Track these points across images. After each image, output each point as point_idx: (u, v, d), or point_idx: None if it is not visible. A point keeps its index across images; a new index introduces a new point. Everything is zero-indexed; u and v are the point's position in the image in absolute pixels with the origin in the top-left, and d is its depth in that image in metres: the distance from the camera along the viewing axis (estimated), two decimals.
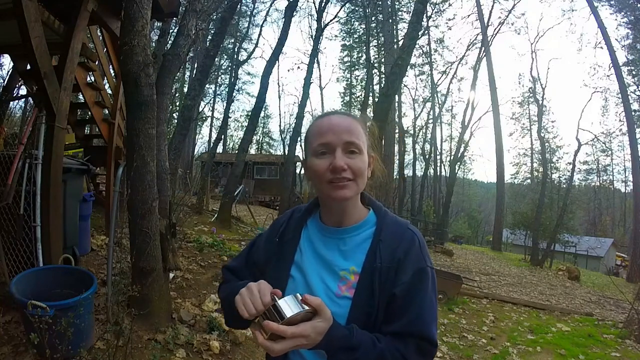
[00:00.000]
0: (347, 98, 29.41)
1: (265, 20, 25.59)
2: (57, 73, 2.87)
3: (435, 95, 25.99)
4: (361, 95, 26.03)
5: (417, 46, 16.63)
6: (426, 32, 21.28)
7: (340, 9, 18.63)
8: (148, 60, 2.77)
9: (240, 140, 14.01)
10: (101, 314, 2.84)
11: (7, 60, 11.50)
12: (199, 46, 11.75)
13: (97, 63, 4.72)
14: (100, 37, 5.25)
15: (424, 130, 27.37)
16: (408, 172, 27.15)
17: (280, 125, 41.64)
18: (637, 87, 19.57)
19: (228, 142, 31.08)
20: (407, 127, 27.09)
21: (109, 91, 5.19)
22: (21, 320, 2.32)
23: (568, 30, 53.17)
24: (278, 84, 42.36)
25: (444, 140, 30.74)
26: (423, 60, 25.32)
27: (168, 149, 4.34)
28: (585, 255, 23.74)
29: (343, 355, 0.74)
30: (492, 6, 21.64)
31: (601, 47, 19.80)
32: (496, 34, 22.50)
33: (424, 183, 26.65)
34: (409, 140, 26.47)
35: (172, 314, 3.14)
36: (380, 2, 17.98)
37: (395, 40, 19.44)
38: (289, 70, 60.62)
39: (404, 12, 21.21)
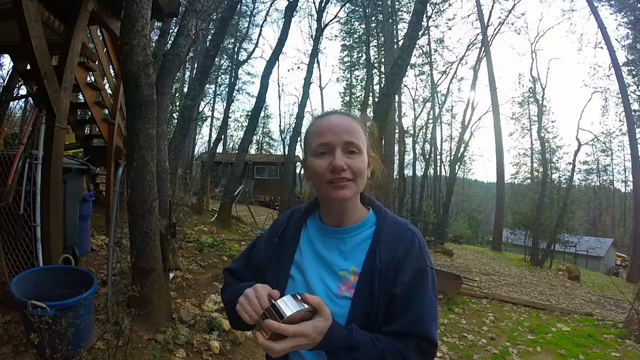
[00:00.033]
0: (347, 98, 29.44)
1: (265, 20, 25.62)
2: (57, 73, 2.87)
3: (435, 95, 26.01)
4: (361, 95, 26.05)
5: (417, 46, 16.64)
6: (426, 32, 21.30)
7: (340, 9, 18.65)
8: (148, 60, 2.77)
9: (240, 140, 14.01)
10: (101, 314, 2.84)
11: (7, 60, 11.52)
12: (199, 46, 11.76)
13: (97, 63, 4.72)
14: (100, 37, 5.25)
15: (424, 130, 27.42)
16: (408, 172, 27.20)
17: (280, 125, 41.71)
18: (637, 87, 19.58)
19: (228, 142, 31.11)
20: (407, 127, 27.15)
21: (109, 91, 5.19)
22: (21, 320, 2.32)
23: (568, 30, 53.27)
24: (278, 84, 42.48)
25: (444, 140, 30.82)
26: (423, 60, 25.36)
27: (168, 149, 4.34)
28: (585, 255, 23.75)
29: (343, 355, 0.74)
30: (492, 6, 21.68)
31: (601, 47, 19.85)
32: (496, 34, 22.54)
33: (424, 183, 26.64)
34: (409, 140, 26.51)
35: (172, 314, 3.14)
36: (380, 2, 17.98)
37: (395, 40, 19.44)
38: (289, 70, 60.72)
39: (404, 12, 21.24)
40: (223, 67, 25.83)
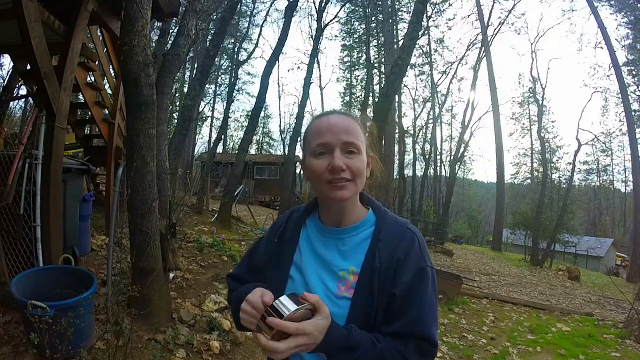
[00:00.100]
0: (347, 98, 29.43)
1: (265, 20, 25.65)
2: (57, 73, 2.87)
3: (435, 95, 26.01)
4: (361, 95, 26.05)
5: (417, 46, 16.64)
6: (426, 32, 21.29)
7: (340, 9, 18.62)
8: (148, 60, 2.77)
9: (240, 140, 14.00)
10: (101, 314, 2.84)
11: (7, 60, 11.52)
12: (199, 46, 11.75)
13: (97, 63, 4.72)
14: (100, 37, 5.25)
15: (424, 130, 27.42)
16: (408, 172, 27.20)
17: (280, 125, 41.71)
18: (637, 87, 19.58)
19: (228, 142, 31.11)
20: (407, 127, 27.15)
21: (109, 91, 5.19)
22: (21, 320, 2.32)
23: (568, 30, 53.24)
24: (278, 84, 42.44)
25: (444, 140, 30.82)
26: (423, 60, 25.35)
27: (168, 149, 4.34)
28: (585, 255, 23.74)
29: (342, 355, 0.74)
30: (492, 6, 21.67)
31: (601, 47, 19.83)
32: (496, 34, 22.53)
33: (424, 183, 26.64)
34: (409, 140, 26.51)
35: (172, 314, 3.14)
36: (380, 2, 17.98)
37: (395, 40, 19.44)
38: (289, 70, 60.63)
39: (404, 12, 21.24)
40: (223, 67, 25.84)
